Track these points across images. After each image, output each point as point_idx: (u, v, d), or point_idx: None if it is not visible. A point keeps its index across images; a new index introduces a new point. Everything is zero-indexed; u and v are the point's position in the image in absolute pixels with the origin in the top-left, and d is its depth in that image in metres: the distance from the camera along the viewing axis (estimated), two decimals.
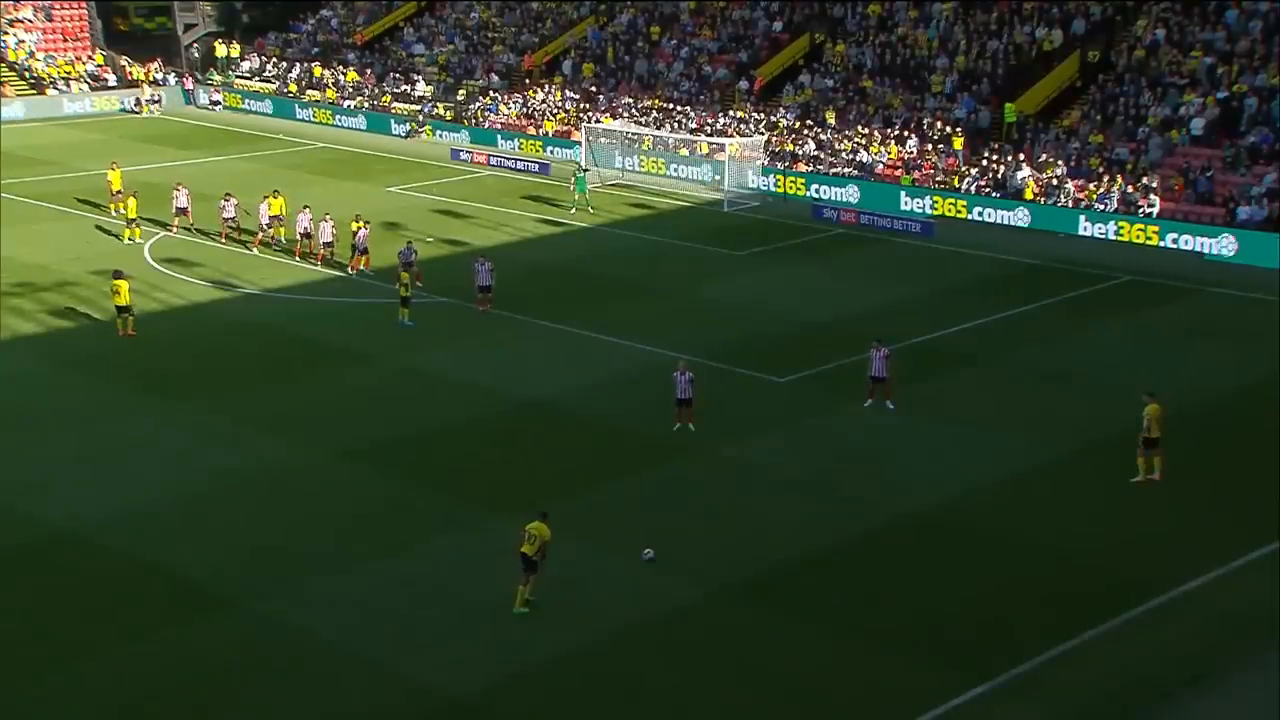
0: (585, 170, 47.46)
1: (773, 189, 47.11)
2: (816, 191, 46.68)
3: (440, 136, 57.47)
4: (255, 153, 56.22)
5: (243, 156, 55.21)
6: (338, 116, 61.59)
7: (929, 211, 44.46)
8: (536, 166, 51.94)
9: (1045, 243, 41.16)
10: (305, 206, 39.64)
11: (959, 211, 44.10)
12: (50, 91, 66.01)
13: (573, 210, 45.18)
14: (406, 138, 59.52)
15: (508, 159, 53.04)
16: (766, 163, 48.62)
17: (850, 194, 45.55)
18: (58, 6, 71.17)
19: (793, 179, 47.15)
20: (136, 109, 66.26)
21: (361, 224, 37.72)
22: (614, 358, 30.62)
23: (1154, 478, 23.81)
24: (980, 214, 43.76)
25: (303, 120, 62.93)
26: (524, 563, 19.89)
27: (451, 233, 42.55)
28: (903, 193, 45.13)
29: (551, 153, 51.27)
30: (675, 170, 50.47)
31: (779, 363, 30.08)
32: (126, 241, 40.47)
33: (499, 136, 55.95)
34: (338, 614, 19.93)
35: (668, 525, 22.43)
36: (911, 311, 34.25)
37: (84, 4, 72.09)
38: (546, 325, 33.04)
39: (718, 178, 48.25)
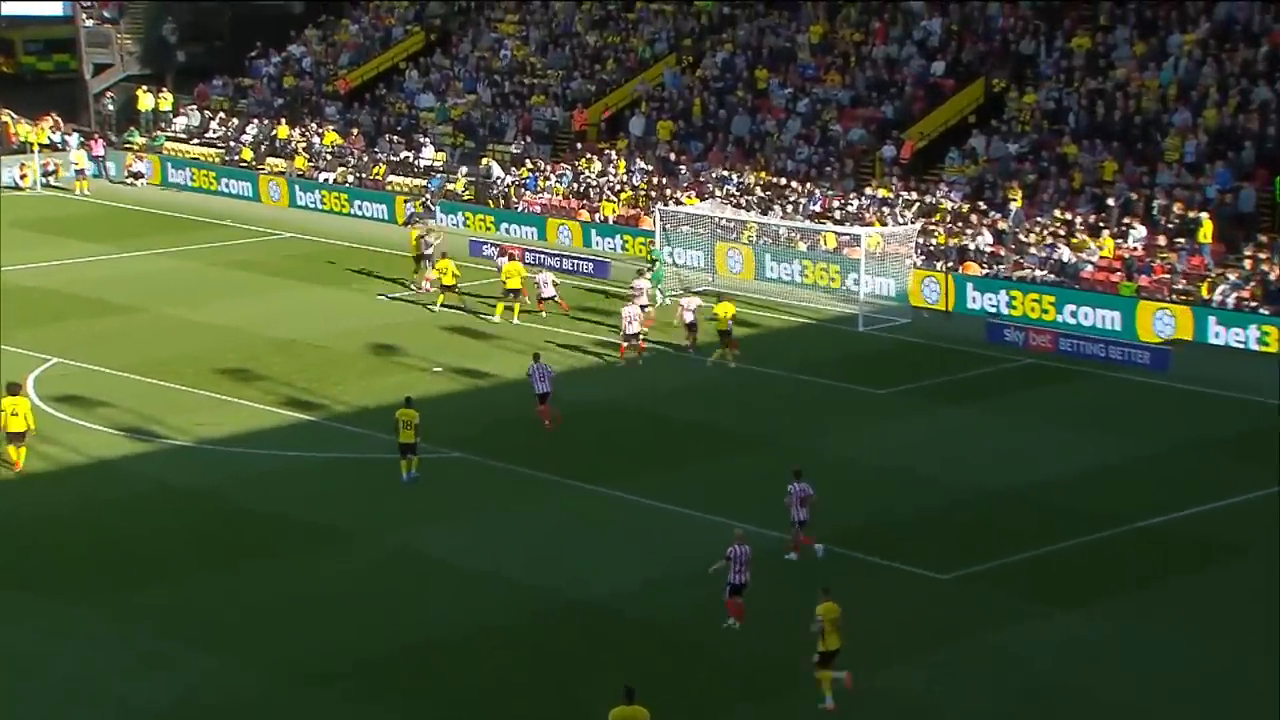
0: (658, 260, 48.62)
1: (1003, 310, 46.78)
2: (1095, 320, 44.96)
3: (506, 229, 58.33)
4: (189, 245, 57.76)
5: (168, 251, 56.73)
6: (356, 203, 62.97)
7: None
8: (591, 265, 53.02)
9: None
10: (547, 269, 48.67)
11: None
12: None
13: (664, 301, 46.53)
14: (407, 225, 61.03)
15: (550, 254, 54.10)
16: (919, 261, 49.33)
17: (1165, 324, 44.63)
18: None
19: (1034, 294, 46.60)
20: (58, 182, 68.53)
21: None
22: (692, 539, 30.70)
23: (827, 707, 24.10)
24: None
25: (310, 206, 64.13)
26: None
27: (469, 359, 43.22)
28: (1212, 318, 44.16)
29: (617, 246, 52.30)
30: (788, 272, 51.18)
31: (937, 551, 30.23)
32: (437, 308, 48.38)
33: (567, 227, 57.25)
34: None
35: None
36: (1139, 479, 34.23)
37: None
38: (597, 490, 33.44)
39: (851, 283, 48.86)
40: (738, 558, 26.86)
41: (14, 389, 34.93)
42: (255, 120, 71.06)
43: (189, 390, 40.88)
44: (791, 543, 29.99)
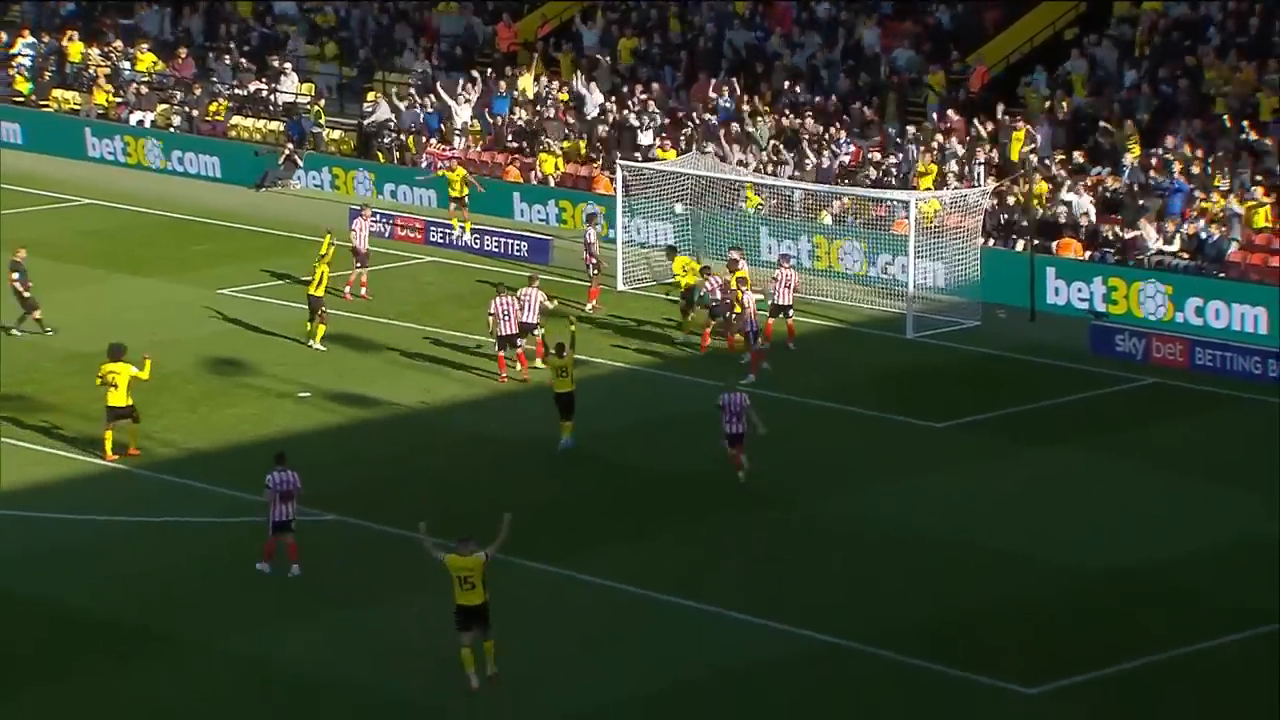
0: None
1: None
2: None
3: (396, 193, 58.21)
4: None
5: None
6: (176, 154, 62.93)
7: None
8: (525, 245, 53.07)
9: None
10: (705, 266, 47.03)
11: None
12: None
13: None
14: (259, 188, 61.04)
15: (469, 230, 54.01)
16: (994, 238, 49.37)
17: None
18: None
19: (1160, 285, 46.54)
20: None
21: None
22: (672, 638, 30.84)
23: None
24: None
25: (115, 160, 64.17)
26: None
27: (350, 380, 43.29)
28: None
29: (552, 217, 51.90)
30: (806, 255, 51.40)
31: (1020, 657, 30.18)
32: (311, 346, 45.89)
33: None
34: None
35: None
36: None
37: None
38: (536, 568, 33.33)
39: (897, 269, 49.19)
40: (729, 406, 32.12)
41: None
42: (30, 34, 70.53)
43: None
44: (265, 551, 33.07)
